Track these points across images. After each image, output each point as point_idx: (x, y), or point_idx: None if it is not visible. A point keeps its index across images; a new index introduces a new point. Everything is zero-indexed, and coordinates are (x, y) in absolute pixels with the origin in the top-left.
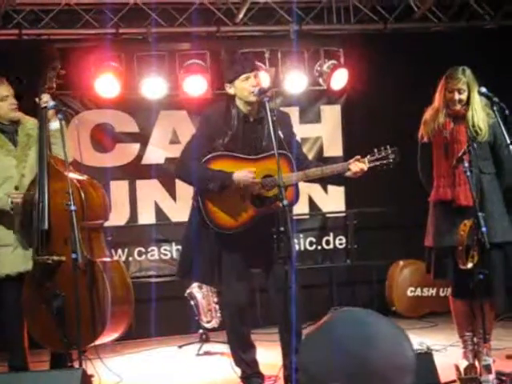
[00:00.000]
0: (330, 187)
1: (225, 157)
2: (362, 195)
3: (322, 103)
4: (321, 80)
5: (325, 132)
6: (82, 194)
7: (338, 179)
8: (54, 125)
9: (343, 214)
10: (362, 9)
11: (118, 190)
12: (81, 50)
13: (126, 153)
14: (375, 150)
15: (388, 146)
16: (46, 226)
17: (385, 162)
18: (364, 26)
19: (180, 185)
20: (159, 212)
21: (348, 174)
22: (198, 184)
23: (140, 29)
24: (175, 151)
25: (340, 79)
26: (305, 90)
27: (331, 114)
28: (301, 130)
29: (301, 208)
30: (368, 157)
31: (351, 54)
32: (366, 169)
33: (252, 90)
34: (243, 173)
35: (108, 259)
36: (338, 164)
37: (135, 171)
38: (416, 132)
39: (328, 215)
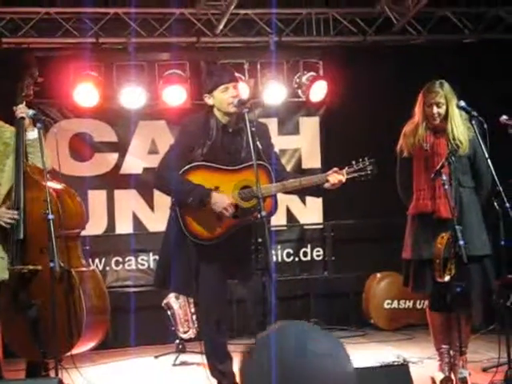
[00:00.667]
0: (308, 199)
1: (203, 167)
2: (339, 207)
3: (301, 115)
4: (300, 92)
5: (303, 144)
6: (59, 203)
7: (316, 191)
8: (32, 134)
9: (321, 226)
10: (341, 21)
11: (96, 199)
12: (60, 58)
13: (104, 162)
14: (353, 162)
15: (366, 158)
16: (22, 235)
17: (363, 173)
18: (343, 38)
19: (158, 195)
20: (137, 222)
21: (326, 185)
22: (177, 196)
23: (120, 38)
24: (154, 161)
25: (319, 91)
26: (284, 101)
27: (310, 126)
28: (279, 142)
29: (279, 219)
30: (346, 168)
31: (330, 66)
32: (344, 180)
33: (231, 101)
34: (222, 198)
35: (84, 269)
36: (317, 175)
37: (113, 181)
38: (395, 144)
39: (306, 227)
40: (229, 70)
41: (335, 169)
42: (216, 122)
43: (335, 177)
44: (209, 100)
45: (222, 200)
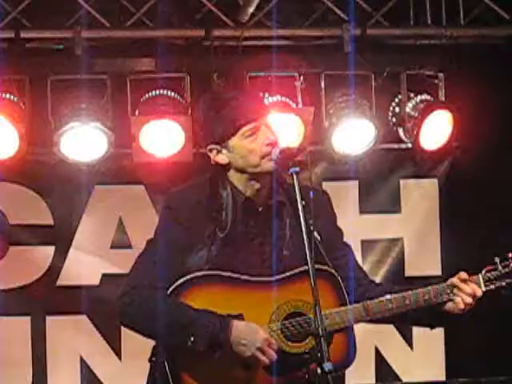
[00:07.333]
0: (416, 333)
1: (212, 281)
2: (478, 351)
3: (404, 175)
4: (401, 132)
5: (408, 230)
6: None
7: (430, 317)
8: None
9: None
10: None
11: (12, 332)
12: None
13: (27, 264)
14: (497, 260)
15: None
16: None
17: None
18: (485, 31)
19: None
20: (89, 377)
21: (450, 306)
22: (165, 336)
23: (59, 31)
24: (122, 263)
25: (439, 131)
26: (371, 150)
27: (421, 197)
28: (361, 226)
29: (361, 373)
30: (483, 272)
31: (460, 84)
32: (480, 294)
33: (265, 152)
34: (252, 330)
35: None
36: (429, 288)
37: (45, 299)
38: None
39: None
40: (253, 96)
41: (463, 274)
42: (232, 194)
43: (464, 289)
44: (220, 156)
45: (253, 333)
